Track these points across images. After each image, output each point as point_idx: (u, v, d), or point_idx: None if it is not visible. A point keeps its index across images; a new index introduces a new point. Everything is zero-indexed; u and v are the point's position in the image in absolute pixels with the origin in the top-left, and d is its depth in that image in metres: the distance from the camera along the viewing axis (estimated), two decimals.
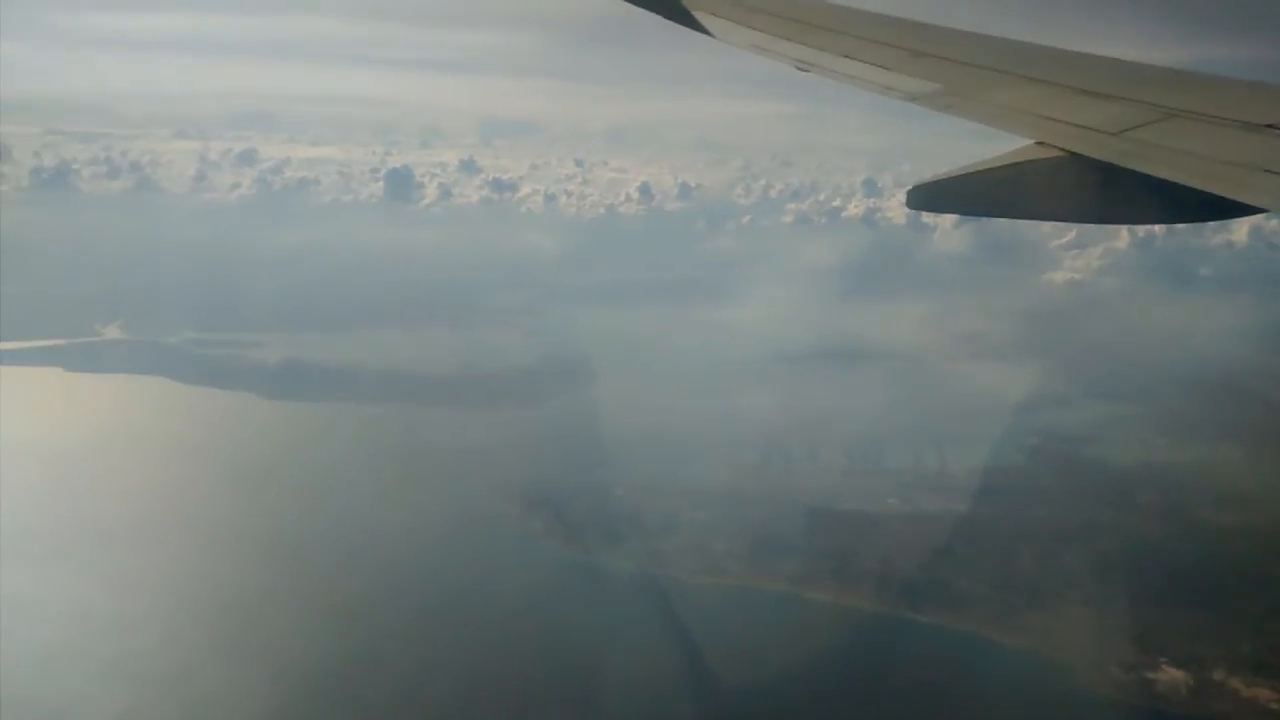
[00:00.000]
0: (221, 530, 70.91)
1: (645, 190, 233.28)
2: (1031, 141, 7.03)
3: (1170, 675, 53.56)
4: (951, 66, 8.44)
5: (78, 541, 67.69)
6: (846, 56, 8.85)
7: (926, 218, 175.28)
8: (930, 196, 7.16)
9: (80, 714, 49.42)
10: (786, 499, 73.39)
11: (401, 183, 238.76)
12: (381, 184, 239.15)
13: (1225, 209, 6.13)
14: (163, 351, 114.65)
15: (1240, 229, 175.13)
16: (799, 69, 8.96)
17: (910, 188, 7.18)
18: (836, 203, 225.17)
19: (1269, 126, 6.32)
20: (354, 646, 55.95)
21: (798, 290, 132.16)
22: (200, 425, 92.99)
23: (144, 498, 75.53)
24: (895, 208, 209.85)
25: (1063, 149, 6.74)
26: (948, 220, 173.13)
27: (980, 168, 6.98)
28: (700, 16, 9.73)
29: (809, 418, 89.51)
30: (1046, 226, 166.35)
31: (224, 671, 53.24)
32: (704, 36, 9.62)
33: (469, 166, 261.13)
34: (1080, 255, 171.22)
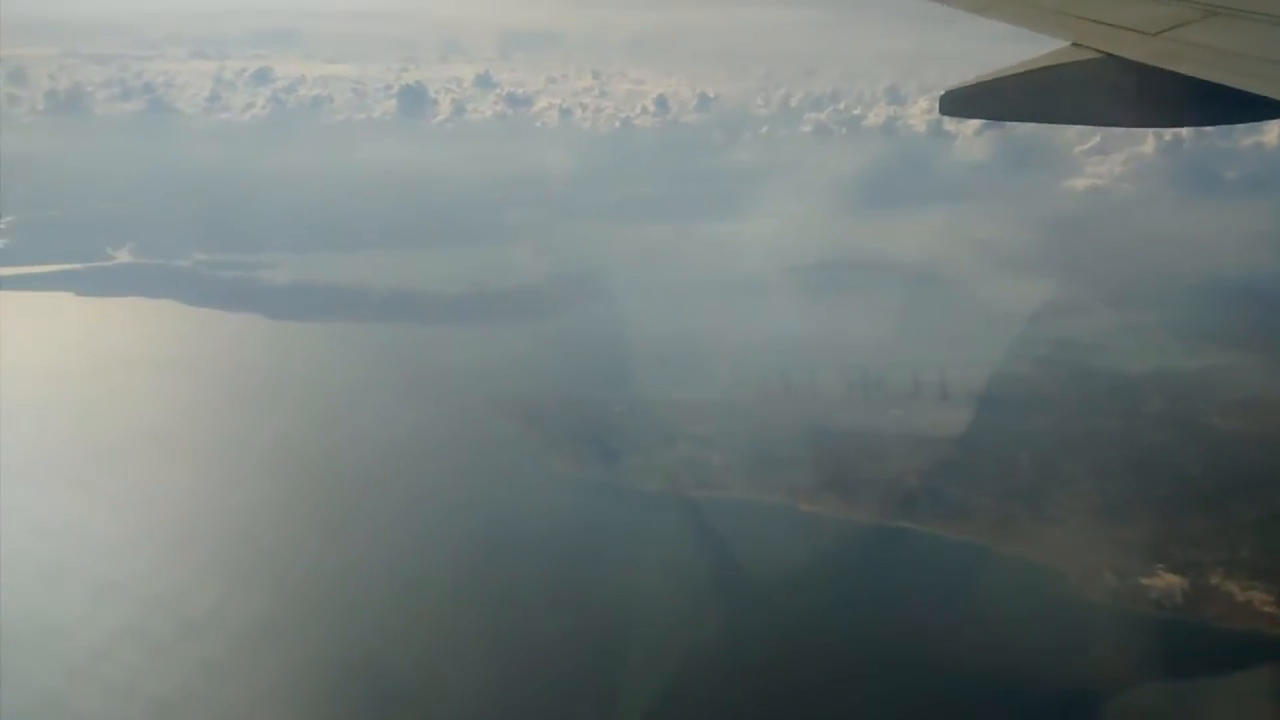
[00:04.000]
0: (222, 449, 72.16)
1: (662, 103, 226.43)
2: (1067, 43, 6.92)
3: (1166, 581, 53.97)
4: None
5: (83, 462, 69.00)
6: None
7: (948, 125, 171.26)
8: (963, 102, 7.08)
9: (79, 632, 50.43)
10: (788, 412, 73.41)
11: (415, 100, 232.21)
12: (395, 101, 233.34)
13: (1265, 109, 6.08)
14: (172, 274, 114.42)
15: (1272, 130, 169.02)
16: None
17: (943, 93, 7.10)
18: (857, 111, 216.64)
19: None
20: (353, 563, 57.20)
21: (811, 202, 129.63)
22: (205, 347, 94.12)
23: (147, 419, 76.71)
24: (918, 115, 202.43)
25: (1099, 50, 6.65)
26: (969, 128, 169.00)
27: (1015, 71, 6.87)
28: None
29: (817, 330, 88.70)
30: (1070, 132, 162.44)
31: (223, 591, 54.32)
32: None
33: (485, 81, 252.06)
34: (1103, 161, 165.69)
